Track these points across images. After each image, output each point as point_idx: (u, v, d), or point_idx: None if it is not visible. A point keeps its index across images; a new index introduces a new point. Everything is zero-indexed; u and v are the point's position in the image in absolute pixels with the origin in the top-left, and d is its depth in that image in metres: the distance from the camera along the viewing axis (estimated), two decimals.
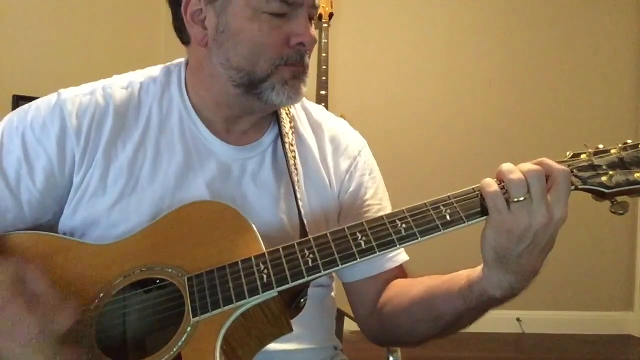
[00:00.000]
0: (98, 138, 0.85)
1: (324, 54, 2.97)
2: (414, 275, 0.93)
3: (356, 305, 0.97)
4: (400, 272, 0.95)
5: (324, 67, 2.95)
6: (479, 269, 0.76)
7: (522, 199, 0.67)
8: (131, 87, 0.90)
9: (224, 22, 0.82)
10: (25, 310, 0.65)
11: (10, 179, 0.83)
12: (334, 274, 1.00)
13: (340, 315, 1.22)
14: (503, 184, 0.69)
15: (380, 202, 0.97)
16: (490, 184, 0.70)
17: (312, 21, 0.86)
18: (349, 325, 1.25)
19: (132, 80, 0.92)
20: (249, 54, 0.81)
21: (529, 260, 0.70)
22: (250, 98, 0.85)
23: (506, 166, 0.70)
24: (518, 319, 3.02)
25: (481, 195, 0.71)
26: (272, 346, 0.77)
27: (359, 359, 1.05)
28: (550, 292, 3.07)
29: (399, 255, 0.95)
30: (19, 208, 0.84)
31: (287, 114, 0.96)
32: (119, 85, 0.90)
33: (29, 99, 0.90)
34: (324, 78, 2.94)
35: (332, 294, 1.01)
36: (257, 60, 0.82)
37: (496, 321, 2.85)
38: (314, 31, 0.84)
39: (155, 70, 0.94)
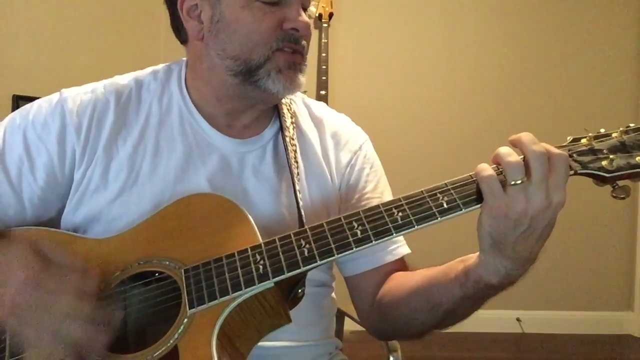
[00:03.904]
0: (98, 135, 0.86)
1: (324, 54, 2.98)
2: (416, 268, 0.92)
3: (357, 300, 0.97)
4: (401, 265, 0.95)
5: (324, 67, 2.96)
6: (475, 255, 0.75)
7: (519, 182, 0.66)
8: (132, 85, 0.92)
9: (219, 12, 0.84)
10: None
11: (12, 175, 0.84)
12: (336, 269, 1.00)
13: (340, 315, 1.21)
14: (500, 168, 0.68)
15: (381, 195, 0.97)
16: (485, 168, 0.68)
17: (306, 13, 0.87)
18: (349, 325, 1.24)
19: (134, 79, 0.93)
20: (244, 42, 0.83)
21: (525, 246, 0.68)
22: (249, 87, 0.86)
23: (503, 149, 0.68)
24: (518, 319, 3.00)
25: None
26: (270, 342, 0.77)
27: (359, 359, 1.05)
28: (550, 292, 3.06)
29: (400, 249, 0.95)
30: (21, 204, 0.85)
31: (288, 109, 0.96)
32: (120, 84, 0.91)
33: (29, 99, 0.91)
34: (324, 78, 2.94)
35: (333, 294, 1.01)
36: (253, 47, 0.83)
37: (496, 321, 2.84)
38: (307, 18, 0.85)
39: (157, 69, 0.96)
